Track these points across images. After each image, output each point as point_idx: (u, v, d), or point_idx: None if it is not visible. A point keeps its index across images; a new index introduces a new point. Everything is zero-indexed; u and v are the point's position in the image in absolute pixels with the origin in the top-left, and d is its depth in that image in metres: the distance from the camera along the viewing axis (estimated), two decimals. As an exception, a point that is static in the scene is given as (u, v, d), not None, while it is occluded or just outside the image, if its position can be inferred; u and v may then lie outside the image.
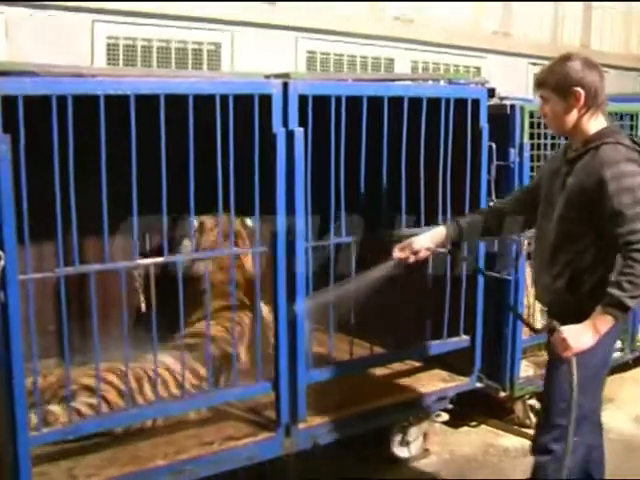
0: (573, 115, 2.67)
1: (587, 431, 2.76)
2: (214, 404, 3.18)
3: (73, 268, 2.67)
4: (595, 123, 2.69)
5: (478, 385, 4.04)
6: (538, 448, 2.83)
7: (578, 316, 2.57)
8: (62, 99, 2.57)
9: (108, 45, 4.90)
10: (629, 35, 8.23)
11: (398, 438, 3.90)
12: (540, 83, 2.73)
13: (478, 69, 6.59)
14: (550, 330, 2.73)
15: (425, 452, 4.02)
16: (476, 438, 4.28)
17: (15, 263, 2.51)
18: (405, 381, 3.92)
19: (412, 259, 3.06)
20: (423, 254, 3.09)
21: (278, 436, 3.25)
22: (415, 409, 3.82)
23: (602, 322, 2.52)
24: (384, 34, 6.30)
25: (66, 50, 4.36)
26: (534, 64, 7.83)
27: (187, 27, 5.21)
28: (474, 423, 4.44)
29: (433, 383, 3.92)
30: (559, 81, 2.64)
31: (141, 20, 4.98)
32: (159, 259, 2.84)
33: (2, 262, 2.44)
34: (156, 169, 2.79)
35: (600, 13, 8.24)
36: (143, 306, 2.81)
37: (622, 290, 2.45)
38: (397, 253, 3.07)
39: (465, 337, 3.91)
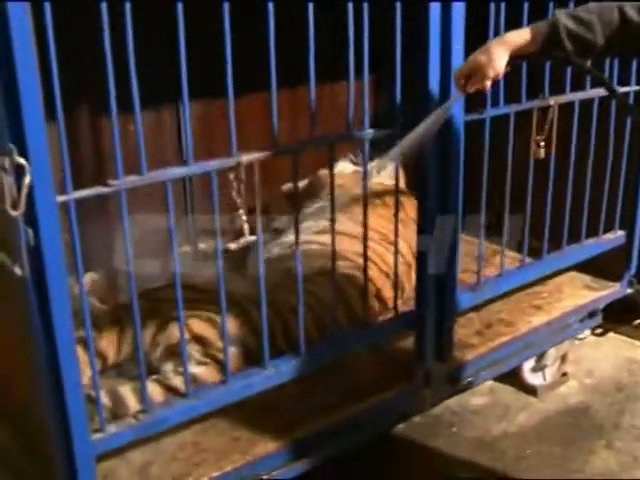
0: None
1: None
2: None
3: (142, 177, 1.63)
4: None
5: (628, 291, 3.15)
6: None
7: None
8: None
9: None
10: None
11: (531, 363, 3.04)
12: None
13: None
14: None
15: (563, 377, 3.17)
16: (610, 351, 3.43)
17: (50, 178, 1.47)
18: (544, 291, 3.00)
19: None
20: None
21: (415, 388, 2.36)
22: (568, 329, 2.94)
23: None
24: None
25: None
26: None
27: None
28: (599, 331, 3.58)
29: (578, 292, 3.02)
30: None
31: None
32: (266, 152, 1.79)
33: (28, 178, 1.40)
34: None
35: None
36: (246, 228, 1.79)
37: None
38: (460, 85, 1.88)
39: (621, 233, 2.99)
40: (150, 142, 2.68)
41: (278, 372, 1.99)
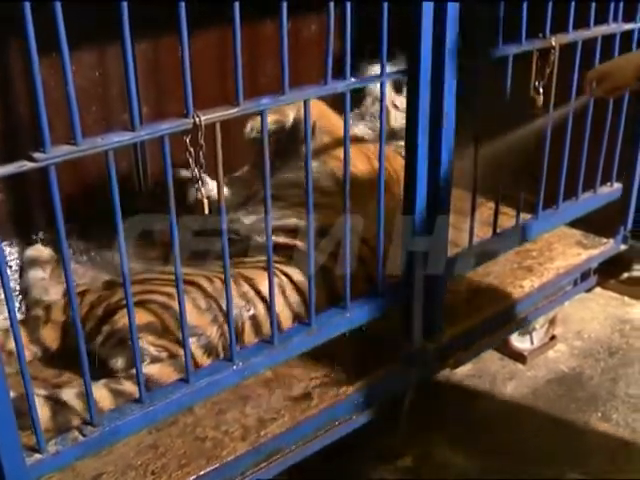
0: None
1: None
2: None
3: (77, 147, 1.29)
4: None
5: (622, 248, 2.91)
6: None
7: None
8: None
9: None
10: None
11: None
12: None
13: None
14: None
15: (551, 340, 2.96)
16: (598, 309, 3.23)
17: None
18: (534, 249, 2.75)
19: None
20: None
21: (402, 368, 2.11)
22: (561, 293, 2.70)
23: None
24: None
25: None
26: None
27: None
28: (586, 285, 3.36)
29: (570, 250, 2.78)
30: None
31: None
32: (230, 111, 1.47)
33: None
34: None
35: None
36: (198, 194, 1.47)
37: None
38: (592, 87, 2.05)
39: (617, 185, 2.74)
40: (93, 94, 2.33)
41: (248, 365, 1.71)
